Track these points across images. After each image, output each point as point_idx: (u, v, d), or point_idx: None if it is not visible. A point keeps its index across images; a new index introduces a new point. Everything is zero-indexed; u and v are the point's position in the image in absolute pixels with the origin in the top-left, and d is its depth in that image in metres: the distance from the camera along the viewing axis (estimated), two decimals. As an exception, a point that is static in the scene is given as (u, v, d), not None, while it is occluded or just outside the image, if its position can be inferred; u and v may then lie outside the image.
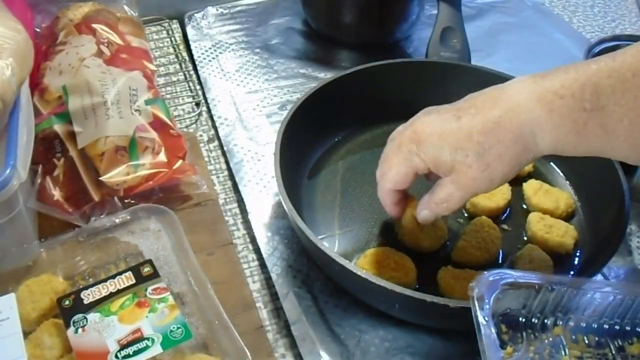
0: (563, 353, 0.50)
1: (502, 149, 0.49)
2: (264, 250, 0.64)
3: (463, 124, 0.50)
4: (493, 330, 0.46)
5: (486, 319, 0.46)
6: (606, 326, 0.51)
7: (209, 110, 0.82)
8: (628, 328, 0.51)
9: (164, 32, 0.95)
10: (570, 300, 0.51)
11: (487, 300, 0.47)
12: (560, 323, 0.51)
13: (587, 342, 0.50)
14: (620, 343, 0.51)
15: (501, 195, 0.68)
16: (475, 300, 0.47)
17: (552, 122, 0.47)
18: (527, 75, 0.50)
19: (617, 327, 0.51)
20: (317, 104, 0.72)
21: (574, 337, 0.50)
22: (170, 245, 0.60)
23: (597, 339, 0.51)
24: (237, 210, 0.70)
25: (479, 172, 0.49)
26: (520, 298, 0.50)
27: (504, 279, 0.49)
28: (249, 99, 0.84)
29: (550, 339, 0.50)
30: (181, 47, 0.93)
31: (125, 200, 0.65)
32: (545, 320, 0.51)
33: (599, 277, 0.60)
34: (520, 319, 0.50)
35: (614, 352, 0.50)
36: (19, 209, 0.56)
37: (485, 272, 0.49)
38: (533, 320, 0.51)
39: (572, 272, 0.63)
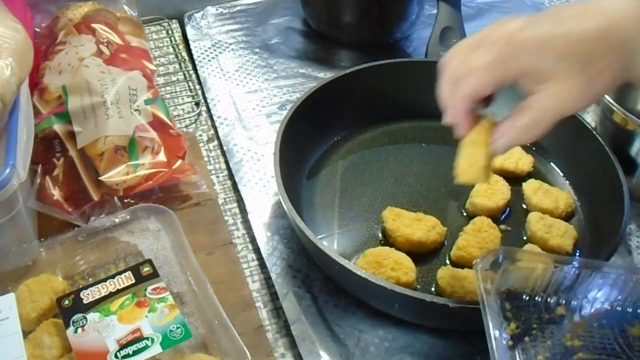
0: (565, 331, 0.50)
1: (607, 62, 0.44)
2: (264, 250, 0.64)
3: (568, 30, 0.44)
4: (497, 303, 0.47)
5: (489, 291, 0.47)
6: (608, 307, 0.52)
7: (208, 110, 0.82)
8: (629, 310, 0.52)
9: (164, 31, 0.95)
10: (573, 280, 0.51)
11: (491, 276, 0.48)
12: (563, 303, 0.51)
13: (589, 322, 0.51)
14: (622, 325, 0.51)
15: (501, 195, 0.68)
16: (479, 274, 0.48)
17: None
18: None
19: (618, 308, 0.52)
20: (316, 104, 0.72)
21: (576, 317, 0.51)
22: (170, 245, 0.60)
23: (599, 320, 0.51)
24: (237, 210, 0.70)
25: (579, 86, 0.44)
26: (524, 276, 0.51)
27: (508, 257, 0.49)
28: (249, 98, 0.84)
29: (553, 318, 0.51)
30: (181, 46, 0.93)
31: (125, 200, 0.65)
32: (549, 300, 0.51)
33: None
34: (524, 297, 0.51)
35: (615, 333, 0.51)
36: (19, 208, 0.56)
37: (490, 249, 0.50)
38: (537, 298, 0.51)
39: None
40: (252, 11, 0.99)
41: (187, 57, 0.91)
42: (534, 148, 0.77)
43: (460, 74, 0.48)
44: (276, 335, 0.59)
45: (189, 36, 0.93)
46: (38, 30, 0.81)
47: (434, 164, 0.75)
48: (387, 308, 0.58)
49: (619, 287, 0.51)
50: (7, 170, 0.52)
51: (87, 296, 0.54)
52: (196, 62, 0.89)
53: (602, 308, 0.51)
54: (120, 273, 0.56)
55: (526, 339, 0.49)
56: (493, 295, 0.47)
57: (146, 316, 0.53)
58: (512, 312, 0.50)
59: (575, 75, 0.44)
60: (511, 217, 0.69)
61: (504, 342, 0.46)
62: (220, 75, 0.87)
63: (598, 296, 0.52)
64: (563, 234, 0.64)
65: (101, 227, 0.62)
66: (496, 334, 0.45)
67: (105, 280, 0.56)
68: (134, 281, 0.56)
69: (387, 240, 0.64)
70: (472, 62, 0.47)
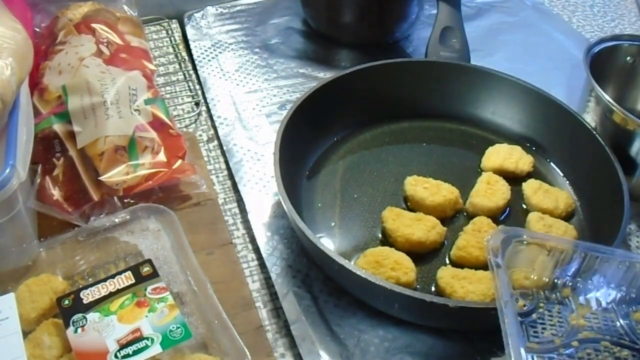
0: (571, 311, 0.51)
1: None
2: (264, 250, 0.64)
3: None
4: (506, 274, 0.48)
5: (500, 265, 0.48)
6: (612, 292, 0.52)
7: (208, 110, 0.82)
8: (633, 295, 0.52)
9: (164, 31, 0.95)
10: (579, 264, 0.52)
11: (501, 251, 0.49)
12: (569, 285, 0.52)
13: (593, 305, 0.52)
14: (625, 309, 0.52)
15: (501, 195, 0.68)
16: (490, 248, 0.50)
17: None
18: None
19: (622, 293, 0.52)
20: (316, 104, 0.72)
21: (581, 299, 0.52)
22: (170, 245, 0.60)
23: (603, 303, 0.52)
24: (237, 210, 0.70)
25: None
26: (531, 257, 0.52)
27: (517, 236, 0.51)
28: (249, 98, 0.84)
29: (560, 299, 0.52)
30: (181, 46, 0.93)
31: (125, 200, 0.65)
32: (556, 281, 0.52)
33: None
34: (532, 276, 0.52)
35: (619, 317, 0.51)
36: (19, 208, 0.56)
37: (500, 227, 0.52)
38: (544, 279, 0.52)
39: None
40: (252, 11, 0.99)
41: (187, 57, 0.91)
42: (534, 148, 0.77)
43: None
44: (276, 335, 0.59)
45: (189, 36, 0.93)
46: (38, 30, 0.81)
47: (434, 164, 0.75)
48: (387, 308, 0.58)
49: (623, 272, 0.52)
50: (7, 170, 0.52)
51: (87, 296, 0.54)
52: (196, 62, 0.89)
53: (607, 292, 0.52)
54: (120, 273, 0.56)
55: (534, 316, 0.50)
56: (503, 269, 0.48)
57: (146, 316, 0.53)
58: (520, 291, 0.51)
59: None
60: (511, 217, 0.69)
61: (514, 310, 0.46)
62: (220, 75, 0.87)
63: (603, 281, 0.52)
64: (563, 234, 0.64)
65: (101, 227, 0.62)
66: (506, 301, 0.46)
67: (105, 280, 0.56)
68: (134, 281, 0.56)
69: (387, 240, 0.64)
70: None
